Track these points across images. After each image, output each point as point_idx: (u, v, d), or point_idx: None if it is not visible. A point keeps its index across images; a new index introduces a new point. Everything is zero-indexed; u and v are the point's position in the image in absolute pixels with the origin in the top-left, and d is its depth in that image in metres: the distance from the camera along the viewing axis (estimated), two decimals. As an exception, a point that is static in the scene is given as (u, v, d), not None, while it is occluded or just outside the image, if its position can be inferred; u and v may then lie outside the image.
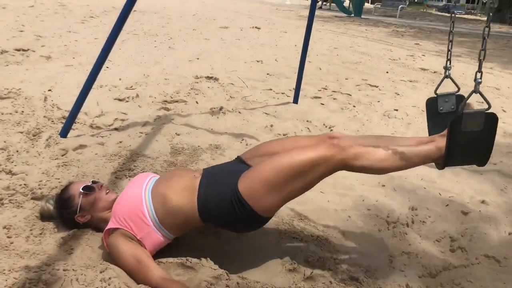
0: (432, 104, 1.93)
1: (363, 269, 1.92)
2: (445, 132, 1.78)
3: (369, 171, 1.75)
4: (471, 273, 1.88)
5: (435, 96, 1.91)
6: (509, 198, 2.64)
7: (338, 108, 4.35)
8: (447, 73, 1.85)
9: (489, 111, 1.46)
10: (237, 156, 2.06)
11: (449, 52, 1.81)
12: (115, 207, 1.85)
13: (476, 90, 1.48)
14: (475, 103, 3.90)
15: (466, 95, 1.51)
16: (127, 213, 1.79)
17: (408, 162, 1.71)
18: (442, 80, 1.83)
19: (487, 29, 1.47)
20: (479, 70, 1.47)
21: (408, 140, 1.83)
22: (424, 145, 1.73)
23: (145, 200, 1.81)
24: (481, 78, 1.48)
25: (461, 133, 1.50)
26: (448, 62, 1.81)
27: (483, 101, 1.46)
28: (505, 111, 4.51)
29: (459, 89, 1.88)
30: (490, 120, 1.48)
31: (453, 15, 1.80)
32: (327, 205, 2.46)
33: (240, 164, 1.94)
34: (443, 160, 1.61)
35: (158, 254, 1.88)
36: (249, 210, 1.70)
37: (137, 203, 1.81)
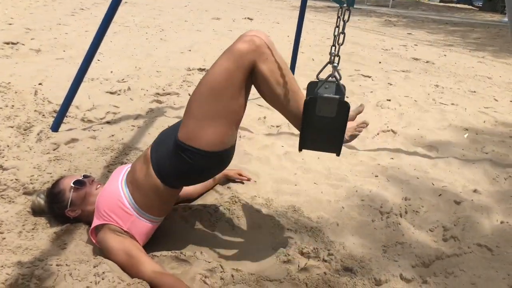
0: (312, 88, 1.88)
1: (357, 259, 1.93)
2: None
3: (261, 85, 1.65)
4: (463, 262, 1.89)
5: (316, 80, 1.85)
6: (501, 187, 2.65)
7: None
8: (331, 59, 1.73)
9: (344, 100, 1.44)
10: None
11: (335, 38, 1.69)
12: (97, 202, 1.85)
13: (331, 61, 1.49)
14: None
15: (345, 85, 1.48)
16: (108, 206, 1.79)
17: (288, 109, 1.65)
18: (324, 66, 1.73)
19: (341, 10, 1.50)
20: (337, 54, 1.49)
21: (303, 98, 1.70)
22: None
23: (122, 190, 1.81)
24: (337, 52, 1.48)
25: (315, 117, 1.48)
26: (333, 48, 1.70)
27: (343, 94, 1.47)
28: (497, 100, 4.53)
29: (340, 78, 1.79)
30: (342, 108, 1.47)
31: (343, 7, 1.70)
32: (321, 196, 2.46)
33: (179, 122, 1.84)
34: (299, 141, 1.59)
35: (152, 247, 1.88)
36: (195, 151, 1.63)
37: (115, 194, 1.81)
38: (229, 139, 1.70)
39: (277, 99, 1.66)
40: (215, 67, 1.63)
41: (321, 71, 1.69)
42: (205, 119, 1.62)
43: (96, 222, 1.80)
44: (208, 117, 1.62)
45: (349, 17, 1.47)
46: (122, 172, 1.94)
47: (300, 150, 1.65)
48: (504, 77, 5.82)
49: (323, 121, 1.50)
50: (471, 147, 3.28)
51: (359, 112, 1.82)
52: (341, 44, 1.50)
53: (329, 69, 1.61)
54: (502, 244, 2.02)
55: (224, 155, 1.74)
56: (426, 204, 2.42)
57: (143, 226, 1.81)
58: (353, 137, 1.80)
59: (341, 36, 1.50)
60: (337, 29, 1.63)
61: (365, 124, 1.80)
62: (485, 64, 6.66)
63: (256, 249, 1.99)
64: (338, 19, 1.65)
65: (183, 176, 1.76)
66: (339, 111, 1.48)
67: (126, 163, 2.60)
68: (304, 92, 1.68)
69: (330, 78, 1.51)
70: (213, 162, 1.72)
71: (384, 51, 7.34)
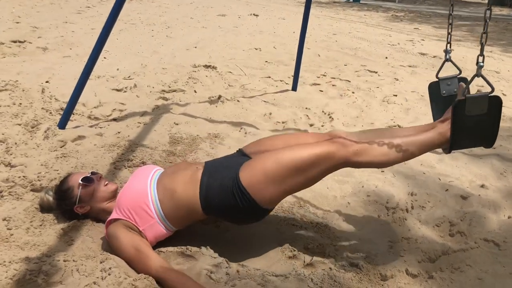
0: (434, 88, 1.93)
1: (363, 255, 1.93)
2: (444, 117, 1.77)
3: (372, 165, 1.77)
4: (470, 257, 1.88)
5: (437, 80, 1.90)
6: (508, 182, 2.63)
7: (337, 95, 4.33)
8: (447, 57, 1.83)
9: (493, 94, 1.45)
10: (239, 149, 2.05)
11: (449, 36, 1.79)
12: (120, 198, 1.86)
13: (478, 74, 1.47)
14: (475, 86, 3.87)
15: (466, 78, 1.50)
16: (132, 205, 1.80)
17: (410, 153, 1.71)
18: (442, 64, 1.82)
19: (488, 11, 1.45)
20: (481, 54, 1.46)
21: (408, 130, 1.84)
22: (425, 133, 1.73)
23: (151, 193, 1.82)
24: (483, 62, 1.46)
25: (465, 117, 1.50)
26: (448, 46, 1.80)
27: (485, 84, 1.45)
28: (505, 95, 4.49)
29: (460, 71, 1.86)
30: (494, 103, 1.48)
31: None
32: (327, 192, 2.46)
33: (242, 157, 1.95)
34: (449, 145, 1.60)
35: (158, 243, 1.89)
36: (250, 200, 1.71)
37: (142, 195, 1.82)
38: (278, 203, 1.84)
39: (396, 160, 1.73)
40: (306, 148, 1.73)
41: (439, 70, 1.76)
42: (275, 182, 1.71)
43: (114, 215, 1.82)
44: (278, 183, 1.71)
45: (490, 17, 1.48)
46: (150, 173, 1.95)
47: (449, 152, 1.67)
48: (512, 72, 5.76)
49: (474, 119, 1.52)
50: (479, 142, 3.25)
51: None
52: (485, 43, 1.51)
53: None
54: (509, 239, 2.00)
55: (266, 213, 1.83)
56: (433, 199, 2.41)
57: (159, 231, 1.82)
58: None
59: (484, 36, 1.51)
60: (450, 26, 1.71)
61: None
62: (493, 59, 6.59)
63: (261, 245, 1.99)
64: (451, 16, 1.69)
65: (223, 210, 1.80)
66: (491, 105, 1.48)
67: (133, 160, 2.62)
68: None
69: (476, 77, 1.50)
70: (255, 214, 1.81)
71: (390, 46, 7.30)
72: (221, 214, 1.84)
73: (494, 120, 1.54)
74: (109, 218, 1.84)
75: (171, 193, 1.81)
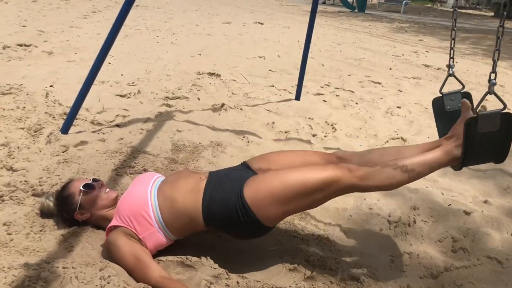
0: (438, 104, 1.93)
1: (364, 269, 1.91)
2: (450, 133, 1.77)
3: (379, 189, 1.76)
4: (472, 274, 1.86)
5: (440, 95, 1.90)
6: (512, 198, 2.62)
7: (341, 105, 4.33)
8: (450, 71, 1.83)
9: (505, 111, 1.45)
10: (243, 162, 2.05)
11: (452, 50, 1.79)
12: (120, 205, 1.85)
13: (491, 91, 1.47)
14: (475, 100, 3.86)
15: (470, 92, 1.50)
16: (132, 212, 1.79)
17: (416, 173, 1.70)
18: (446, 79, 1.82)
19: (501, 28, 1.45)
20: (493, 71, 1.46)
21: (414, 149, 1.83)
22: (432, 153, 1.72)
23: (151, 201, 1.81)
24: (495, 79, 1.46)
25: (476, 134, 1.49)
26: (451, 60, 1.80)
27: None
28: (510, 109, 4.48)
29: (463, 86, 1.87)
30: (506, 120, 1.49)
31: (454, 11, 1.78)
32: (329, 204, 2.43)
33: (247, 170, 1.94)
34: (460, 162, 1.61)
35: (158, 252, 1.88)
36: (253, 217, 1.70)
37: (142, 203, 1.81)
38: (280, 221, 1.87)
39: (406, 181, 1.72)
40: (313, 170, 1.74)
41: (443, 85, 1.77)
42: (279, 202, 1.71)
43: (114, 222, 1.81)
44: (283, 203, 1.71)
45: (502, 33, 1.47)
46: (151, 181, 1.94)
47: (460, 169, 1.68)
48: (516, 86, 5.75)
49: (485, 136, 1.52)
50: (482, 156, 3.24)
51: None
52: (497, 60, 1.51)
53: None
54: (512, 256, 1.98)
55: (267, 231, 1.82)
56: (435, 214, 2.39)
57: (159, 239, 1.81)
58: None
59: (496, 53, 1.51)
60: (453, 41, 1.75)
61: None
62: (497, 72, 6.57)
63: (262, 256, 1.98)
64: (453, 31, 1.70)
65: (225, 225, 1.79)
66: (503, 122, 1.49)
67: (134, 167, 2.61)
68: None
69: (489, 94, 1.51)
70: (256, 231, 1.80)
71: (395, 57, 7.30)
72: (222, 227, 1.83)
73: (506, 136, 1.54)
74: (109, 225, 1.83)
75: (171, 202, 1.80)
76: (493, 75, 1.46)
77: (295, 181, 1.70)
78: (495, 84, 1.46)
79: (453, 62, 1.79)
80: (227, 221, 1.76)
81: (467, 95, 1.85)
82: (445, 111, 1.90)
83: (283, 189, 1.70)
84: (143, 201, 1.82)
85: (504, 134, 1.53)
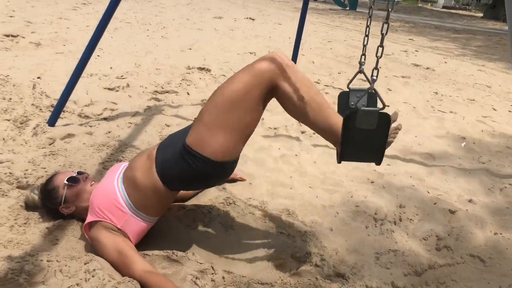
0: (343, 99, 1.91)
1: (349, 265, 1.93)
2: None
3: (285, 103, 1.74)
4: (456, 272, 1.89)
5: (348, 90, 1.88)
6: (496, 198, 2.65)
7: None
8: (361, 68, 1.78)
9: (383, 111, 1.43)
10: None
11: (364, 47, 1.75)
12: (92, 199, 1.84)
13: (371, 88, 1.47)
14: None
15: (376, 91, 1.48)
16: (103, 203, 1.78)
17: (316, 124, 1.72)
18: (355, 75, 1.77)
19: (385, 25, 1.46)
20: (376, 67, 1.45)
21: (332, 111, 1.78)
22: (337, 125, 1.70)
23: (118, 189, 1.81)
24: (377, 76, 1.45)
25: (355, 130, 1.48)
26: (363, 57, 1.74)
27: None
28: (496, 110, 4.53)
29: (371, 85, 1.81)
30: (383, 120, 1.46)
31: (372, 8, 1.72)
32: (316, 201, 2.46)
33: (191, 125, 1.87)
34: (339, 154, 1.60)
35: (144, 246, 1.87)
36: (201, 158, 1.66)
37: (111, 193, 1.80)
38: (235, 152, 1.74)
39: (303, 116, 1.73)
40: (233, 80, 1.68)
41: (351, 81, 1.73)
42: (217, 128, 1.65)
43: (90, 218, 1.80)
44: (220, 127, 1.65)
45: (387, 31, 1.47)
46: (118, 170, 1.93)
47: (339, 162, 1.66)
48: (503, 86, 5.82)
49: (364, 133, 1.50)
50: (468, 156, 3.28)
51: (394, 120, 1.80)
52: (380, 57, 1.49)
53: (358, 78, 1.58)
54: (495, 255, 2.01)
55: (228, 167, 1.77)
56: (421, 212, 2.41)
57: (136, 224, 1.80)
58: (389, 143, 1.78)
59: (380, 49, 1.48)
60: (366, 38, 1.66)
61: (398, 130, 1.77)
62: (484, 73, 6.67)
63: (248, 252, 1.98)
64: (368, 28, 1.67)
65: (185, 181, 1.77)
66: (380, 123, 1.48)
67: (122, 161, 2.60)
68: (335, 103, 1.70)
69: (370, 91, 1.49)
70: (214, 171, 1.74)
71: (384, 56, 7.34)
72: (184, 184, 1.81)
73: (381, 137, 1.52)
74: (86, 221, 1.81)
75: (133, 182, 1.79)
76: (375, 72, 1.45)
77: (220, 98, 1.66)
78: (375, 80, 1.45)
79: (364, 59, 1.74)
80: (183, 174, 1.72)
81: (372, 95, 1.82)
82: (349, 106, 1.89)
83: (213, 112, 1.66)
84: (110, 190, 1.81)
85: (380, 134, 1.51)
